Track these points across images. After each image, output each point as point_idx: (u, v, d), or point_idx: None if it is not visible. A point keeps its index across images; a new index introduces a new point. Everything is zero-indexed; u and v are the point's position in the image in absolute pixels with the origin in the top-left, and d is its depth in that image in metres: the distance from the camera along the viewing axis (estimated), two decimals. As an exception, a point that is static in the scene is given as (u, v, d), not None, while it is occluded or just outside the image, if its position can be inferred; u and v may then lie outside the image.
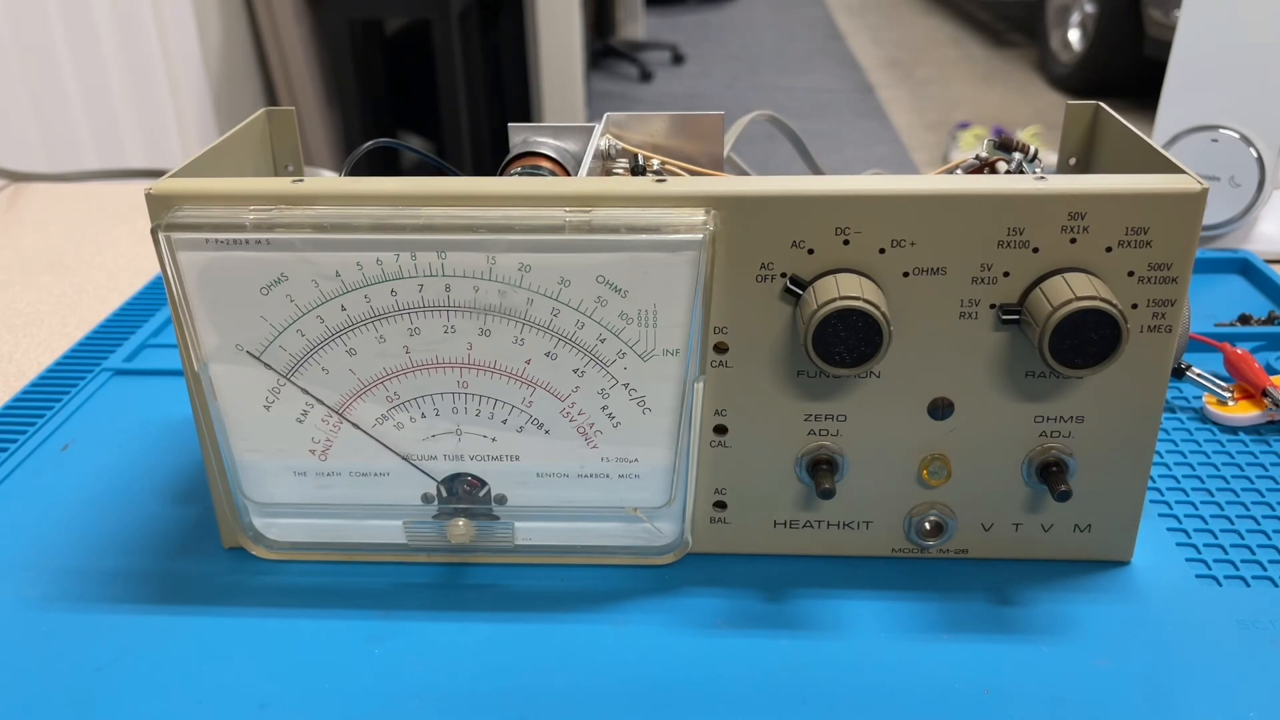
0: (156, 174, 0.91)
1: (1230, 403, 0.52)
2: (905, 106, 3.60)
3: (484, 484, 0.43)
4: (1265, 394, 0.52)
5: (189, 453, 0.52)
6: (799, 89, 3.84)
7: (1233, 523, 0.45)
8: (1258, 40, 0.67)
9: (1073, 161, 0.47)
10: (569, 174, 0.46)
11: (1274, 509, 0.46)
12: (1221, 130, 0.69)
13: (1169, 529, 0.45)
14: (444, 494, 0.43)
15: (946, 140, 3.06)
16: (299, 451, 0.42)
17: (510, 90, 2.70)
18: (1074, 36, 3.53)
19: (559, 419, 0.41)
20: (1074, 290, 0.36)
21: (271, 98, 2.30)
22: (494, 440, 0.41)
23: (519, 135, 0.48)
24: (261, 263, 0.38)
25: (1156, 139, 0.70)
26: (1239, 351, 0.54)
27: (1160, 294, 0.38)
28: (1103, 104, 0.46)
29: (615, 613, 0.41)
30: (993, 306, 0.38)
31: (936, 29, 4.74)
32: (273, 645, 0.40)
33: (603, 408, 0.40)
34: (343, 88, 2.25)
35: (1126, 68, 3.26)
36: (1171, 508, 0.46)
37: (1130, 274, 0.37)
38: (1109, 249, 0.37)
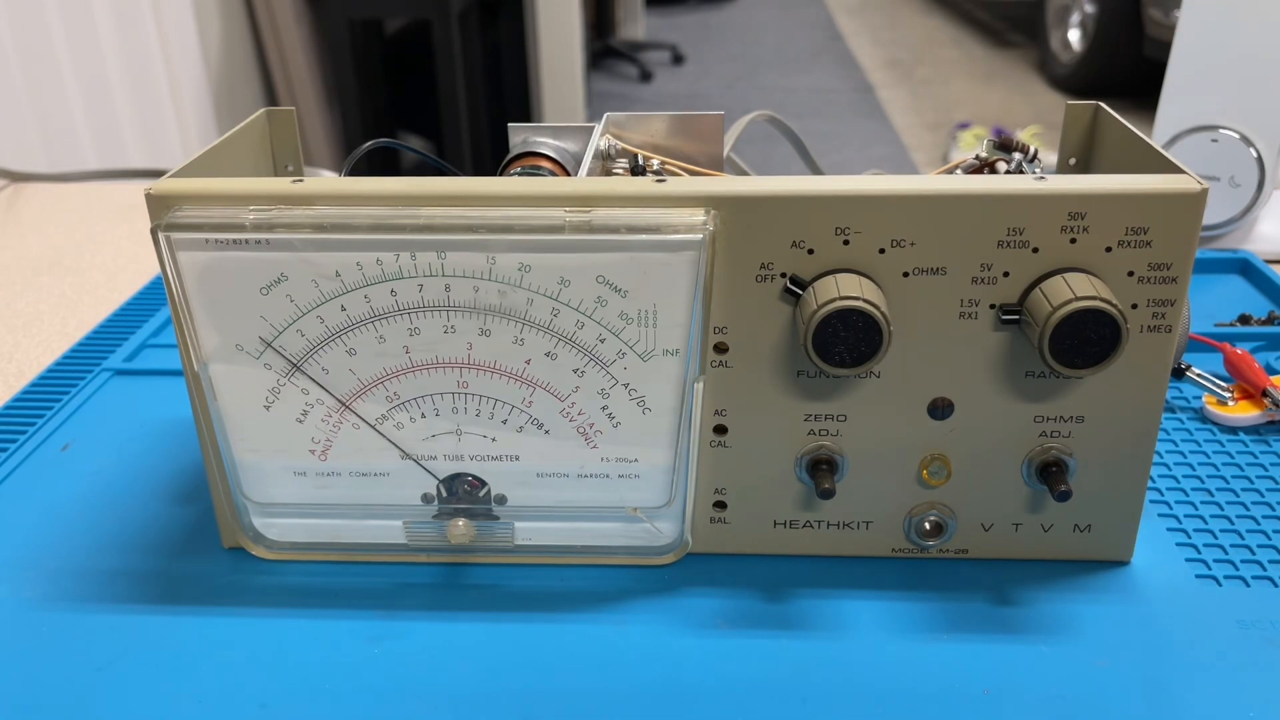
0: (156, 174, 0.91)
1: (1230, 403, 0.52)
2: (905, 106, 3.60)
3: (484, 484, 0.43)
4: (1265, 394, 0.52)
5: (189, 453, 0.52)
6: (799, 89, 3.85)
7: (1233, 523, 0.45)
8: (1258, 40, 0.67)
9: (1073, 161, 0.47)
10: (569, 174, 0.46)
11: (1274, 509, 0.46)
12: (1221, 130, 0.69)
13: (1169, 529, 0.45)
14: (444, 494, 0.43)
15: (946, 140, 3.06)
16: (299, 451, 0.42)
17: (510, 90, 2.70)
18: (1074, 36, 3.53)
19: (559, 419, 0.41)
20: (1074, 290, 0.36)
21: (271, 98, 2.30)
22: (494, 440, 0.41)
23: (519, 135, 0.48)
24: (261, 263, 0.38)
25: (1156, 139, 0.70)
26: (1239, 351, 0.54)
27: (1160, 294, 0.38)
28: (1103, 104, 0.46)
29: (615, 613, 0.41)
30: (993, 306, 0.38)
31: (936, 29, 4.73)
32: (273, 645, 0.40)
33: (603, 408, 0.40)
34: (343, 88, 2.25)
35: (1126, 68, 3.26)
36: (1171, 508, 0.46)
37: (1130, 274, 0.37)
38: (1109, 249, 0.37)
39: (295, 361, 0.40)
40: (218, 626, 0.41)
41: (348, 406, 0.41)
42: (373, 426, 0.41)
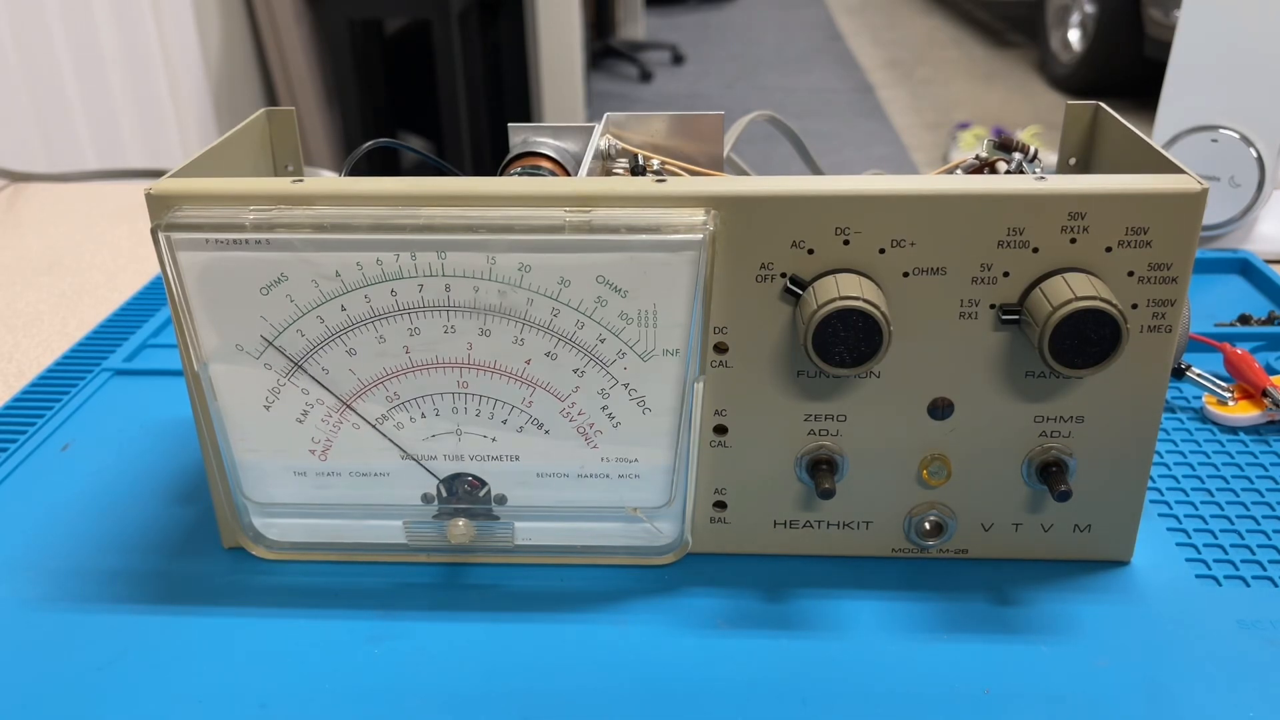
0: (156, 174, 0.91)
1: (1230, 403, 0.52)
2: (905, 106, 3.60)
3: (484, 484, 0.43)
4: (1265, 394, 0.52)
5: (189, 453, 0.52)
6: (799, 89, 3.84)
7: (1233, 523, 0.45)
8: (1258, 40, 0.67)
9: (1073, 161, 0.47)
10: (569, 174, 0.46)
11: (1274, 509, 0.46)
12: (1221, 130, 0.69)
13: (1169, 529, 0.45)
14: (444, 494, 0.43)
15: (946, 140, 3.06)
16: (299, 451, 0.42)
17: (510, 90, 2.70)
18: (1074, 36, 3.53)
19: (559, 419, 0.41)
20: (1074, 290, 0.36)
21: (271, 98, 2.30)
22: (494, 440, 0.41)
23: (519, 135, 0.48)
24: (261, 263, 0.38)
25: (1156, 139, 0.70)
26: (1239, 351, 0.54)
27: (1160, 294, 0.38)
28: (1103, 104, 0.46)
29: (615, 613, 0.41)
30: (993, 306, 0.38)
31: (936, 29, 4.73)
32: (273, 645, 0.40)
33: (603, 408, 0.40)
34: (343, 88, 2.25)
35: (1126, 68, 3.26)
36: (1171, 508, 0.46)
37: (1130, 274, 0.37)
38: (1109, 249, 0.37)
39: (295, 362, 0.40)
40: (218, 626, 0.41)
41: (348, 406, 0.41)
42: (373, 426, 0.41)
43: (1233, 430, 0.52)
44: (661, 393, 0.40)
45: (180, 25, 1.93)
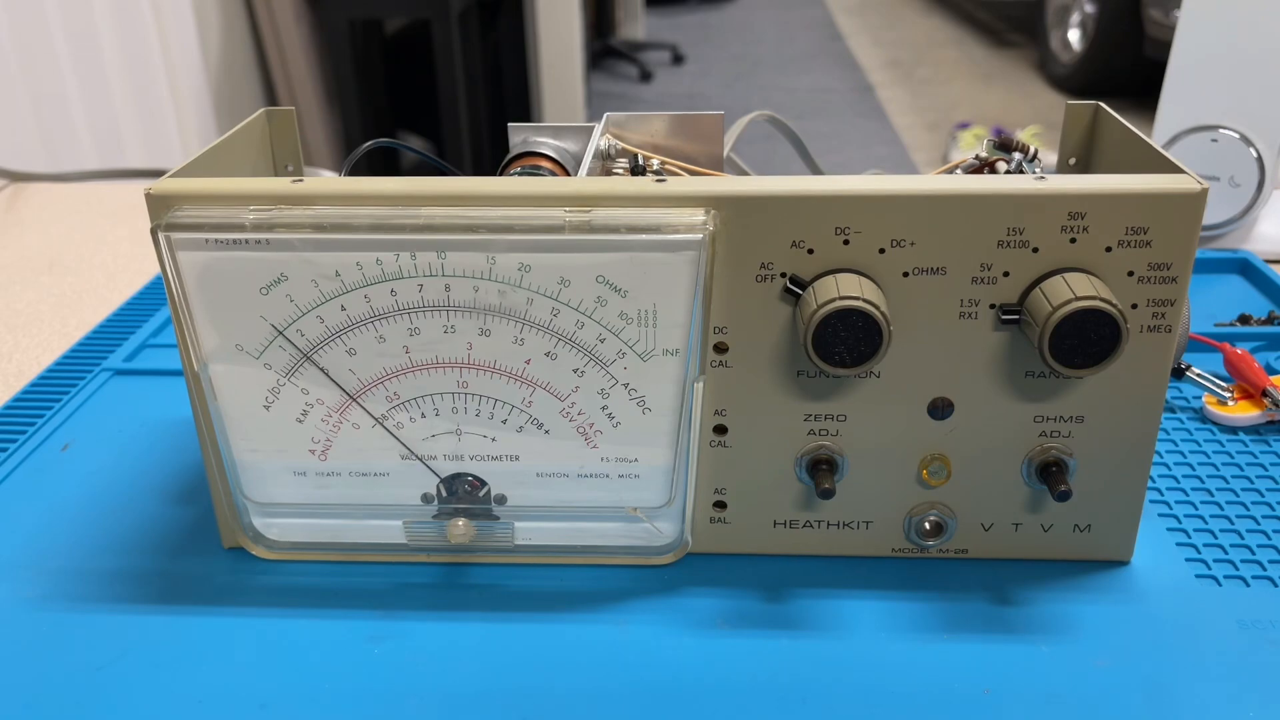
0: (156, 174, 0.91)
1: (1230, 403, 0.52)
2: (905, 106, 3.60)
3: (484, 484, 0.43)
4: (1265, 394, 0.52)
5: (189, 453, 0.52)
6: (799, 89, 3.84)
7: (1233, 523, 0.45)
8: (1258, 40, 0.67)
9: (1073, 161, 0.47)
10: (569, 174, 0.46)
11: (1274, 509, 0.46)
12: (1221, 130, 0.69)
13: (1169, 529, 0.45)
14: (444, 494, 0.43)
15: (946, 140, 3.06)
16: (299, 451, 0.42)
17: (510, 90, 2.70)
18: (1074, 36, 3.53)
19: (559, 419, 0.41)
20: (1074, 290, 0.36)
21: (271, 98, 2.30)
22: (494, 440, 0.41)
23: (519, 135, 0.48)
24: (261, 263, 0.38)
25: (1156, 139, 0.70)
26: (1239, 351, 0.54)
27: (1160, 294, 0.38)
28: (1103, 104, 0.46)
29: (615, 613, 0.41)
30: (993, 306, 0.38)
31: (936, 29, 4.73)
32: (273, 645, 0.40)
33: (603, 408, 0.40)
34: (343, 88, 2.25)
35: (1126, 68, 3.26)
36: (1171, 508, 0.46)
37: (1130, 274, 0.37)
38: (1109, 249, 0.37)
39: (295, 362, 0.40)
40: (218, 626, 0.41)
41: (351, 404, 0.41)
42: (378, 422, 0.41)
43: (1233, 430, 0.52)
44: (661, 393, 0.40)
45: (180, 25, 1.93)
